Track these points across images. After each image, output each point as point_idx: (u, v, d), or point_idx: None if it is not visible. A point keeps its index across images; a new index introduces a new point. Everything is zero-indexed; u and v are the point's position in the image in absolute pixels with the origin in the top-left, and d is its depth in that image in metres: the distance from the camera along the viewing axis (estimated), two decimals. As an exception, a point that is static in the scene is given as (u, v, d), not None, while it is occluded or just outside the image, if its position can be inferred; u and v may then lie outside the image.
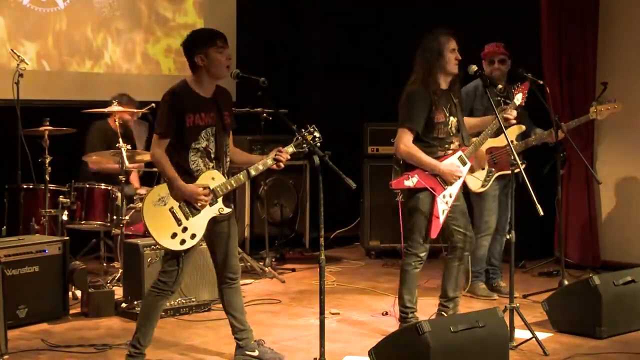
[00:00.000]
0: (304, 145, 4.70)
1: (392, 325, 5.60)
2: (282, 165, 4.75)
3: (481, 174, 6.33)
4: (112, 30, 8.05)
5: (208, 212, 4.63)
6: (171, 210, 4.55)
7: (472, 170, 6.30)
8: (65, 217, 6.63)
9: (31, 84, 6.91)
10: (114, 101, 6.98)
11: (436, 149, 5.32)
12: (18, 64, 6.51)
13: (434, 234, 5.32)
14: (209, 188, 4.61)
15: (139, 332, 4.66)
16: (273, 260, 7.60)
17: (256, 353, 4.85)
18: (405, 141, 5.25)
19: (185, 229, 4.57)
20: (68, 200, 6.62)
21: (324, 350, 4.40)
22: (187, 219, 4.57)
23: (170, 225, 4.54)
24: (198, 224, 4.61)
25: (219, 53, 4.59)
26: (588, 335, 5.35)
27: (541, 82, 6.36)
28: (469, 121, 5.71)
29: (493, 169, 6.34)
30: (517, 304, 5.16)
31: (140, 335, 4.65)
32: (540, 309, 5.67)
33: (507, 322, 4.93)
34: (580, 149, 7.10)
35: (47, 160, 6.50)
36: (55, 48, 7.69)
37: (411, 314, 5.42)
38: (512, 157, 5.21)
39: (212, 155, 4.65)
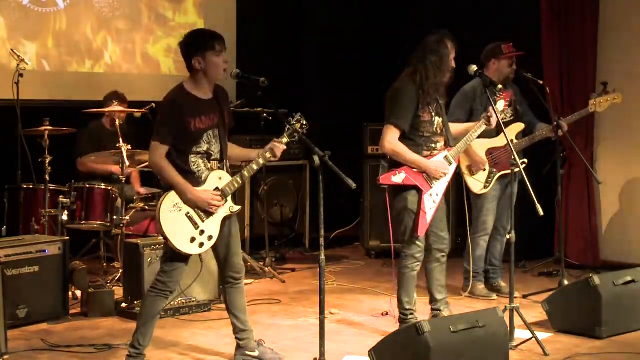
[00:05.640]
0: (295, 135, 4.72)
1: (392, 325, 5.60)
2: (278, 156, 4.75)
3: (482, 176, 6.33)
4: (112, 30, 8.04)
5: (221, 213, 4.65)
6: (188, 215, 4.55)
7: (472, 173, 6.32)
8: (65, 217, 6.62)
9: (31, 84, 6.91)
10: (114, 101, 6.99)
11: (422, 148, 5.33)
12: (18, 64, 6.51)
13: (421, 232, 5.33)
14: (218, 188, 4.62)
15: (138, 332, 4.65)
16: (273, 260, 7.59)
17: (256, 353, 4.86)
18: (390, 138, 5.25)
19: (202, 232, 4.58)
20: (68, 200, 6.62)
21: (324, 350, 4.40)
22: (203, 221, 4.58)
23: (188, 230, 4.55)
24: (213, 225, 4.62)
25: (216, 57, 4.56)
26: (588, 335, 5.35)
27: (541, 82, 6.38)
28: (455, 127, 5.67)
29: (495, 170, 6.34)
30: (517, 304, 5.16)
31: (140, 336, 4.64)
32: (540, 309, 5.67)
33: (507, 322, 4.93)
34: (580, 149, 7.11)
35: (47, 160, 6.51)
36: (55, 48, 7.69)
37: (410, 315, 5.43)
38: (512, 157, 5.22)
39: (213, 157, 4.64)
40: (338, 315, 6.00)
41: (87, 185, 6.77)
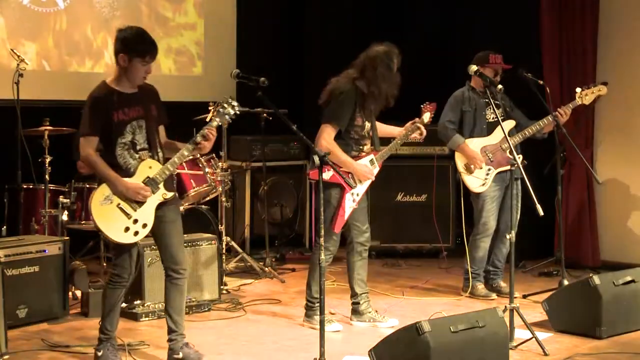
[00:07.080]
0: (226, 115, 4.75)
1: (392, 325, 5.60)
2: (211, 138, 4.70)
3: (480, 173, 6.34)
4: (112, 30, 8.00)
5: (153, 200, 4.68)
6: (119, 206, 4.61)
7: (470, 171, 6.34)
8: (65, 217, 6.63)
9: (31, 84, 6.90)
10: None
11: (351, 148, 5.59)
12: (18, 64, 6.50)
13: (337, 229, 5.56)
14: (149, 177, 4.64)
15: (105, 320, 4.77)
16: (273, 260, 7.60)
17: (180, 355, 4.81)
18: (327, 137, 5.51)
19: (135, 221, 4.64)
20: (68, 200, 6.63)
21: (324, 350, 4.40)
22: (135, 210, 4.64)
23: (121, 221, 4.61)
24: (147, 213, 4.66)
25: (141, 64, 4.68)
26: (588, 335, 5.35)
27: (541, 82, 6.38)
28: (384, 128, 5.87)
29: (491, 167, 6.35)
30: (517, 304, 5.17)
31: (107, 323, 4.77)
32: (540, 309, 5.67)
33: (507, 322, 4.93)
34: (580, 149, 7.10)
35: (47, 160, 6.51)
36: (55, 48, 7.69)
37: (317, 305, 5.52)
38: (512, 157, 5.24)
39: (138, 147, 4.68)
40: (337, 315, 5.99)
41: (87, 185, 6.76)
